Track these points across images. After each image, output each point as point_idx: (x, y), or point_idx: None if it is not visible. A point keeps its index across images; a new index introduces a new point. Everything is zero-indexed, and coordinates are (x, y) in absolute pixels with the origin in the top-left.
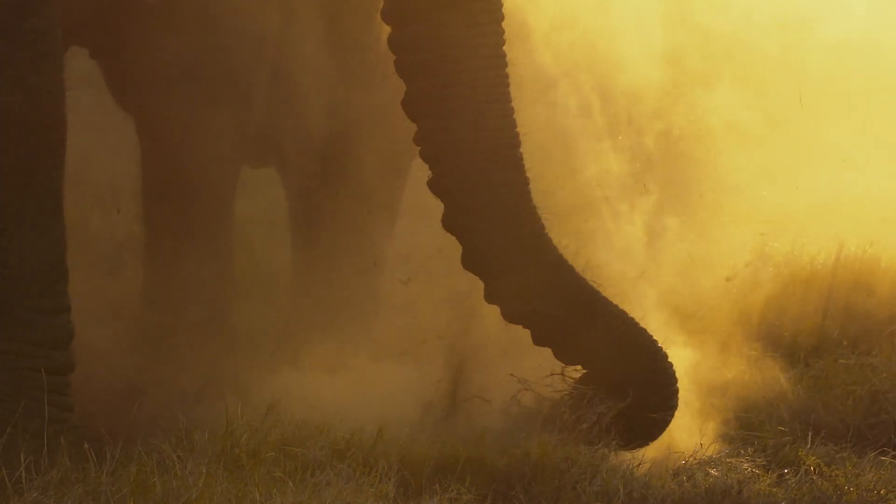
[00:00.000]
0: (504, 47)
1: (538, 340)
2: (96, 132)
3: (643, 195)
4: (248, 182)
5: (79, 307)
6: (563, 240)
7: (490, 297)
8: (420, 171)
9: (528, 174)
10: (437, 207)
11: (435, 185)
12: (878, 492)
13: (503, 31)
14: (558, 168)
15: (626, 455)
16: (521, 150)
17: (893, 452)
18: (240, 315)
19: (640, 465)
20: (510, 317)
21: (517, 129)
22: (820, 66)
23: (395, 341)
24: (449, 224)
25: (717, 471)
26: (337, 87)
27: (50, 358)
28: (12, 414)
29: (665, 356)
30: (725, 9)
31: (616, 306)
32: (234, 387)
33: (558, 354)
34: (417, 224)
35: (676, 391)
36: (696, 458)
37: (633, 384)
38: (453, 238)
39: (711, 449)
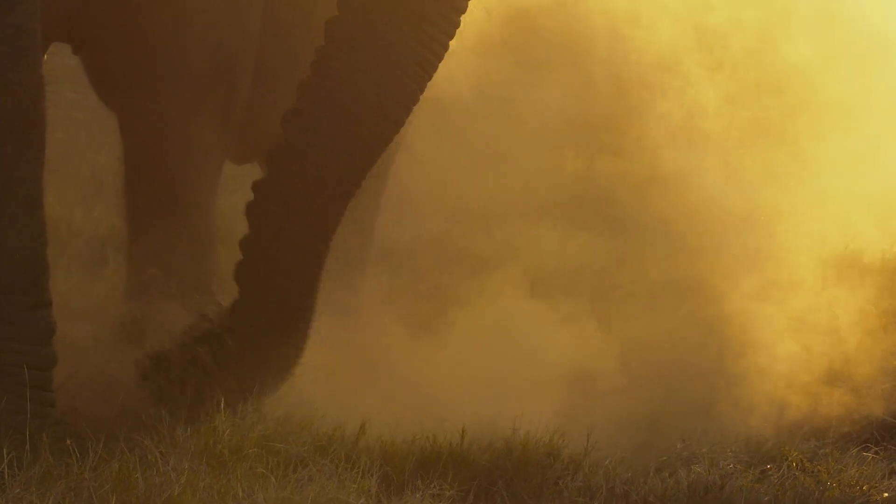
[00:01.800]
0: (444, 48)
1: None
2: (78, 128)
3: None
4: (231, 178)
5: (61, 303)
6: None
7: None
8: (404, 167)
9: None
10: (420, 203)
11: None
12: (861, 488)
13: (453, 31)
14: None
15: (610, 451)
16: (392, 139)
17: (876, 448)
18: (222, 311)
19: (622, 460)
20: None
21: (404, 117)
22: (800, 63)
23: (378, 337)
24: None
25: (699, 467)
26: None
27: (32, 353)
28: None
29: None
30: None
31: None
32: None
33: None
34: (400, 218)
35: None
36: (678, 454)
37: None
38: (436, 233)
39: (694, 445)
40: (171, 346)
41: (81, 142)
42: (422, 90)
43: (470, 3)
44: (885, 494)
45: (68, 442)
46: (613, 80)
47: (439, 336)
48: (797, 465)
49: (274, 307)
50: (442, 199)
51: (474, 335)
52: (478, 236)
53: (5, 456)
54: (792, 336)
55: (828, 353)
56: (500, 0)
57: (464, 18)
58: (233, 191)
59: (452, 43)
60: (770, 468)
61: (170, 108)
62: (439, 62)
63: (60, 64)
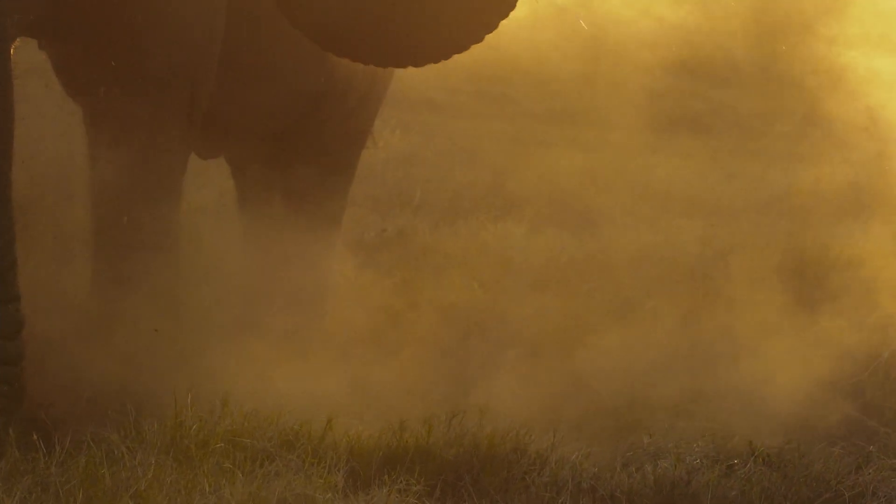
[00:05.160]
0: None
1: None
2: (45, 122)
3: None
4: (197, 173)
5: (28, 297)
6: None
7: None
8: (369, 162)
9: None
10: (386, 198)
11: None
12: (828, 483)
13: None
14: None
15: (576, 446)
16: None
17: (843, 443)
18: (189, 306)
19: (589, 455)
20: None
21: None
22: (771, 57)
23: (345, 331)
24: None
25: (666, 462)
26: (288, 78)
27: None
28: None
29: None
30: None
31: None
32: (184, 377)
33: None
34: (366, 213)
35: None
36: (645, 449)
37: None
38: (402, 228)
39: (661, 440)
40: None
41: (48, 137)
42: None
43: None
44: (853, 490)
45: (35, 437)
46: (582, 76)
47: (406, 331)
48: (764, 460)
49: None
50: (408, 194)
51: (441, 331)
52: (444, 231)
53: None
54: (760, 332)
55: (794, 350)
56: None
57: None
58: (200, 186)
59: None
60: (737, 463)
61: (135, 103)
62: None
63: (27, 59)
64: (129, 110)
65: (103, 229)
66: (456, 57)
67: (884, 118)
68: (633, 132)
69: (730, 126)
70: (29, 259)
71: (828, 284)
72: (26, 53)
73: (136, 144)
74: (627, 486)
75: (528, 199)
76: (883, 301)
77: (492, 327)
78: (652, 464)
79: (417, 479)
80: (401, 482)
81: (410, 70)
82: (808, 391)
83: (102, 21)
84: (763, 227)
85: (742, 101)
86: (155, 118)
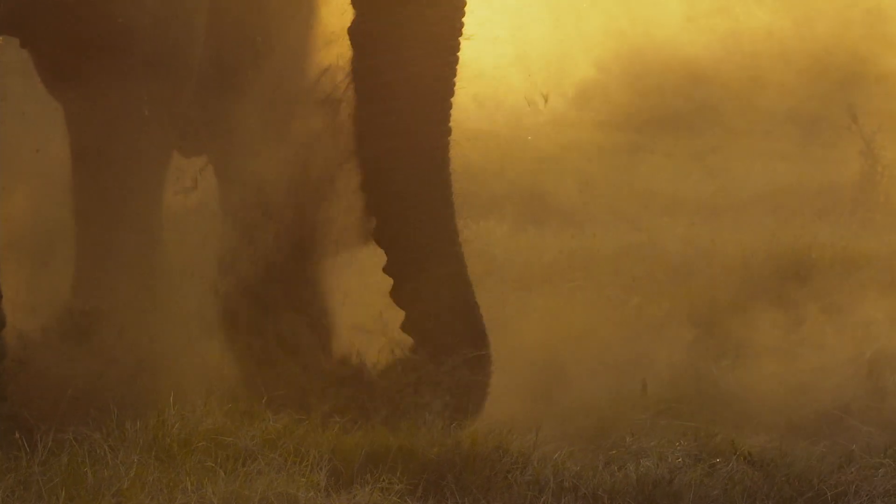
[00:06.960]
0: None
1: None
2: (27, 121)
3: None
4: (180, 171)
5: (10, 296)
6: None
7: None
8: None
9: None
10: None
11: None
12: (810, 481)
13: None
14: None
15: (559, 445)
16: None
17: (825, 442)
18: (172, 305)
19: (571, 454)
20: None
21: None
22: (749, 55)
23: (331, 330)
24: None
25: (648, 461)
26: (272, 75)
27: None
28: None
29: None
30: None
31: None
32: (166, 376)
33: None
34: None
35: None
36: (627, 448)
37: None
38: None
39: (643, 439)
40: None
41: (30, 135)
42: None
43: None
44: (835, 489)
45: (17, 435)
46: (567, 75)
47: (390, 330)
48: (746, 458)
49: None
50: None
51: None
52: None
53: None
54: (734, 329)
55: (777, 349)
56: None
57: None
58: (183, 184)
59: None
60: (719, 462)
61: (117, 101)
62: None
63: (9, 57)
64: (110, 108)
65: (85, 227)
66: None
67: (865, 116)
68: (616, 130)
69: (712, 125)
70: (10, 257)
71: (811, 283)
72: (8, 52)
73: (118, 142)
74: (610, 484)
75: (510, 198)
76: (866, 299)
77: None
78: (634, 463)
79: (400, 477)
80: (383, 481)
81: None
82: (790, 390)
83: (84, 18)
84: (746, 226)
85: (724, 100)
86: (137, 116)
